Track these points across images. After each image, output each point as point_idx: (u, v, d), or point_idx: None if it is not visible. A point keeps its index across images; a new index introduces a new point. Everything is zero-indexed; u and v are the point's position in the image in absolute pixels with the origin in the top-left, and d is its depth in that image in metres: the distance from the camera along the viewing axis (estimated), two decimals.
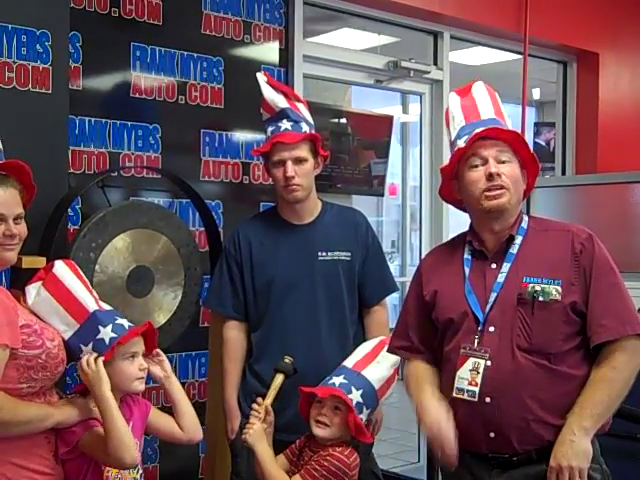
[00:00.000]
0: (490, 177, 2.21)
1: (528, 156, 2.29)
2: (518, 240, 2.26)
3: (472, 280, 2.27)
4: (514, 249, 2.26)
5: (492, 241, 2.29)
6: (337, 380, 2.43)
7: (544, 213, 2.43)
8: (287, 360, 2.55)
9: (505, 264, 2.24)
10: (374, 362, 2.49)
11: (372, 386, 2.45)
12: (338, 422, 2.38)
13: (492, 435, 2.17)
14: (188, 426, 2.42)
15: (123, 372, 2.25)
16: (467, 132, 2.28)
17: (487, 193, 2.22)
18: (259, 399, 2.50)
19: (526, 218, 2.33)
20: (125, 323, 2.30)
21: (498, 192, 2.21)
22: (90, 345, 2.24)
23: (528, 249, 2.25)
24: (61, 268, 2.34)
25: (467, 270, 2.29)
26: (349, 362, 2.51)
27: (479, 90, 2.39)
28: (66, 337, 2.26)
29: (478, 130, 2.25)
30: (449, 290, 2.29)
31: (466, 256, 2.32)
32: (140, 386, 2.31)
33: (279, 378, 2.53)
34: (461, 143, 2.28)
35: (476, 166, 2.24)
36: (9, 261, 2.25)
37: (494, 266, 2.26)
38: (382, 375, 2.48)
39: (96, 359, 2.20)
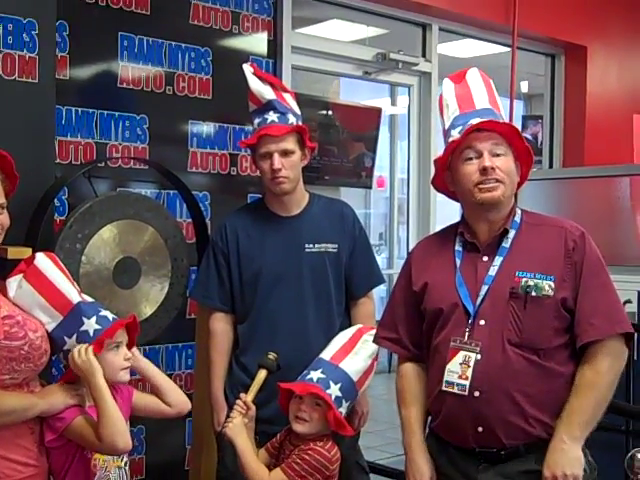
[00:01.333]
0: (484, 171, 2.18)
1: (523, 148, 2.26)
2: (511, 234, 2.24)
3: (463, 272, 2.24)
4: (507, 243, 2.23)
5: (485, 233, 2.26)
6: (315, 375, 2.40)
7: (531, 206, 2.41)
8: (271, 356, 2.53)
9: (497, 257, 2.22)
10: (352, 353, 2.46)
11: (350, 379, 2.42)
12: (317, 417, 2.37)
13: (480, 429, 2.15)
14: (174, 401, 2.41)
15: (108, 363, 2.23)
16: (461, 122, 2.24)
17: (480, 186, 2.19)
18: (242, 394, 2.49)
19: (519, 212, 2.30)
20: (109, 315, 2.28)
21: (492, 185, 2.18)
22: (74, 337, 2.23)
23: (521, 243, 2.23)
24: (42, 260, 2.31)
25: (458, 262, 2.26)
26: (326, 354, 2.48)
27: (474, 77, 2.34)
28: (50, 329, 2.24)
29: (473, 121, 2.21)
30: (439, 281, 2.27)
31: (457, 248, 2.29)
32: (125, 376, 2.30)
33: (262, 373, 2.51)
34: (455, 134, 2.24)
35: (470, 159, 2.21)
36: None
37: (486, 259, 2.23)
38: (360, 367, 2.46)
39: (86, 349, 2.18)
